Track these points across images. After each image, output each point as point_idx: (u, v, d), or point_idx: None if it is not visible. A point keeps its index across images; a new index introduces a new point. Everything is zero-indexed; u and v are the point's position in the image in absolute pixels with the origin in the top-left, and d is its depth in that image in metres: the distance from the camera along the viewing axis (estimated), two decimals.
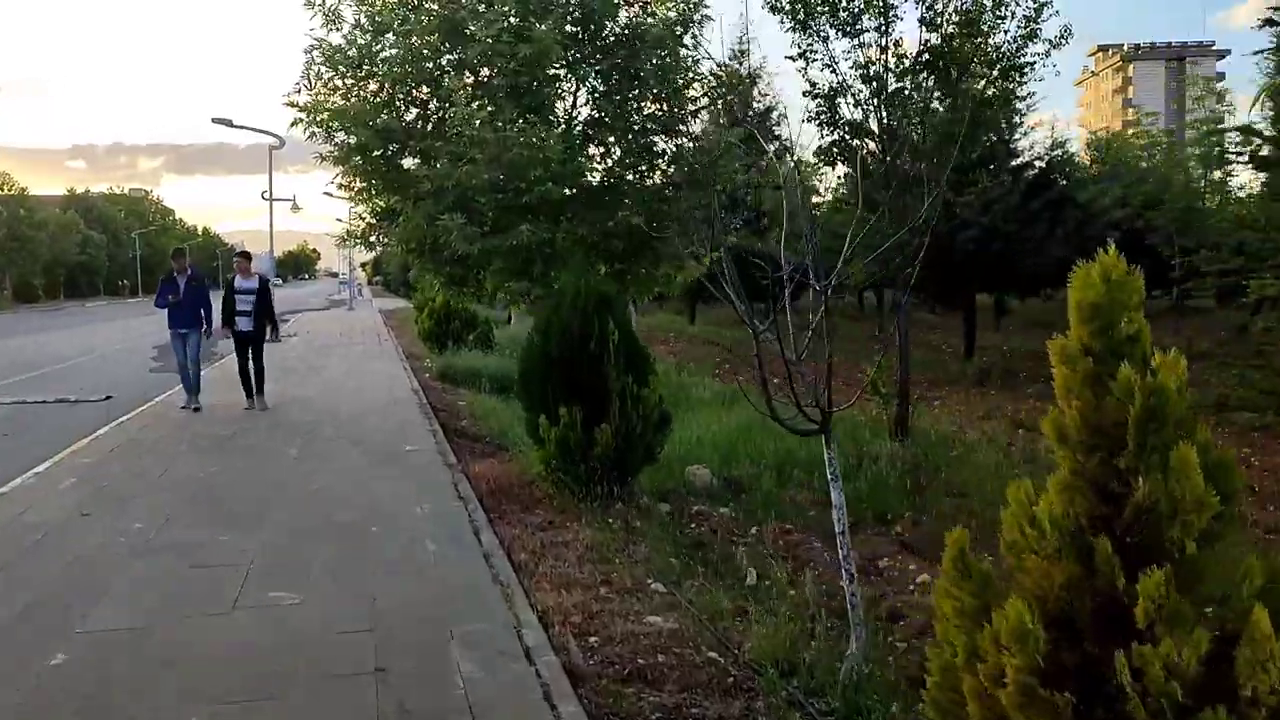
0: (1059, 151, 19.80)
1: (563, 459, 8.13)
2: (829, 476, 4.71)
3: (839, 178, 14.36)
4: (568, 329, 8.10)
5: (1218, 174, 24.15)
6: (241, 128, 28.11)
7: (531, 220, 9.97)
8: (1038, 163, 18.25)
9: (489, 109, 9.68)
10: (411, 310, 36.39)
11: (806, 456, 11.41)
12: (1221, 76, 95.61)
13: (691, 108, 10.86)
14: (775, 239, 17.29)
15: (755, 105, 10.59)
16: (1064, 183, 20.31)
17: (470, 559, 6.41)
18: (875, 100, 10.18)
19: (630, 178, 11.04)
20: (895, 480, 10.38)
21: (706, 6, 10.95)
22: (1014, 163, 17.13)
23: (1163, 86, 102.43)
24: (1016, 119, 17.28)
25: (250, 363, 12.76)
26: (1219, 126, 25.42)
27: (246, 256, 13.51)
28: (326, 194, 13.94)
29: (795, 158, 15.05)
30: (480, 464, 9.65)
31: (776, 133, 15.19)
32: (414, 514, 7.58)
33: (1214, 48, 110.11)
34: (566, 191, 10.25)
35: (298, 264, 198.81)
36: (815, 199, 28.44)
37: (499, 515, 7.80)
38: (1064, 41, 10.83)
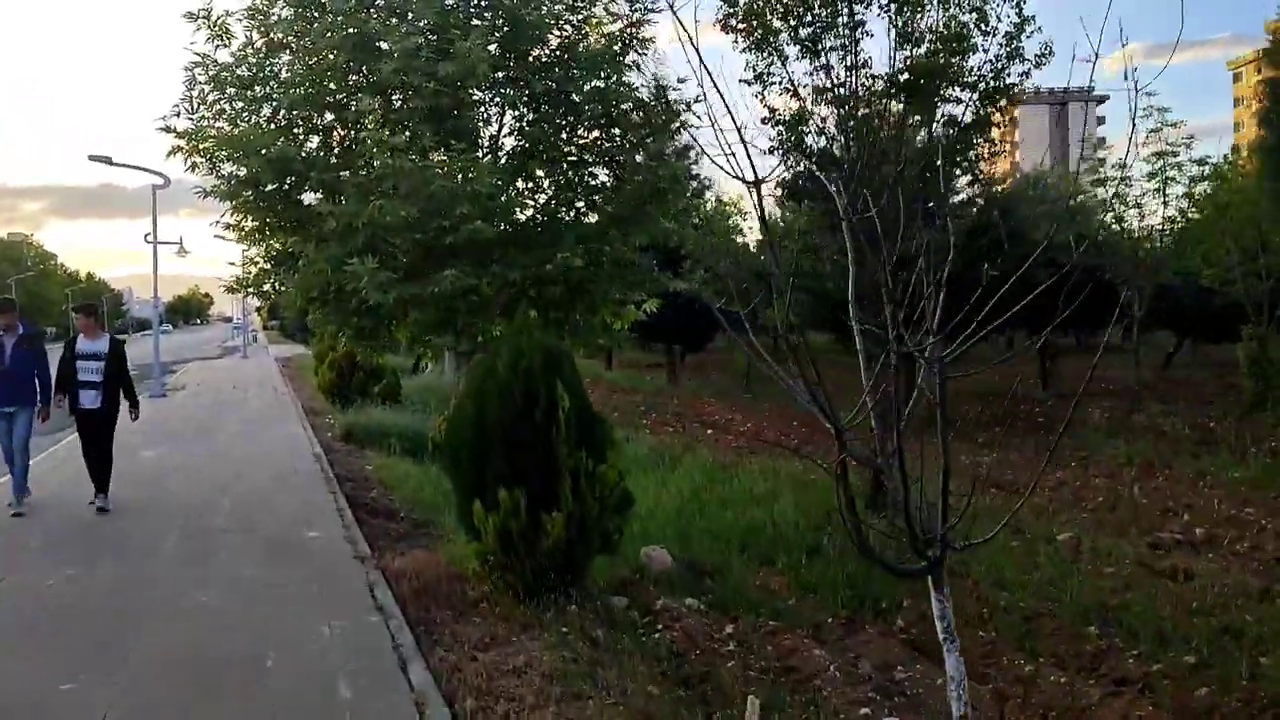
0: (996, 189, 19.18)
1: (504, 554, 6.66)
2: (941, 636, 3.39)
3: (806, 213, 13.06)
4: (507, 394, 6.67)
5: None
6: (121, 165, 25.83)
7: (455, 264, 8.55)
8: (978, 200, 17.44)
9: (405, 135, 8.24)
10: (310, 358, 34.25)
11: (771, 532, 10.14)
12: (1102, 120, 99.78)
13: (633, 137, 9.60)
14: (696, 280, 16.06)
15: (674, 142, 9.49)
16: (1000, 221, 19.92)
17: (399, 711, 4.88)
18: (844, 126, 9.10)
19: (566, 215, 9.68)
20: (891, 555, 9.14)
21: (649, 22, 9.76)
22: (953, 199, 16.26)
23: (1047, 130, 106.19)
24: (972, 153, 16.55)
25: (92, 448, 9.62)
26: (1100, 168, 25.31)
27: (90, 311, 10.05)
28: (218, 236, 11.49)
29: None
30: (399, 555, 8.09)
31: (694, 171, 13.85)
32: (321, 637, 6.00)
33: (1095, 93, 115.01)
34: (498, 230, 8.87)
35: (189, 309, 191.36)
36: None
37: (428, 629, 6.28)
38: (1044, 61, 9.99)
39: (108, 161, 26.08)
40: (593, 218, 9.93)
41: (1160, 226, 22.55)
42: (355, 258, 8.19)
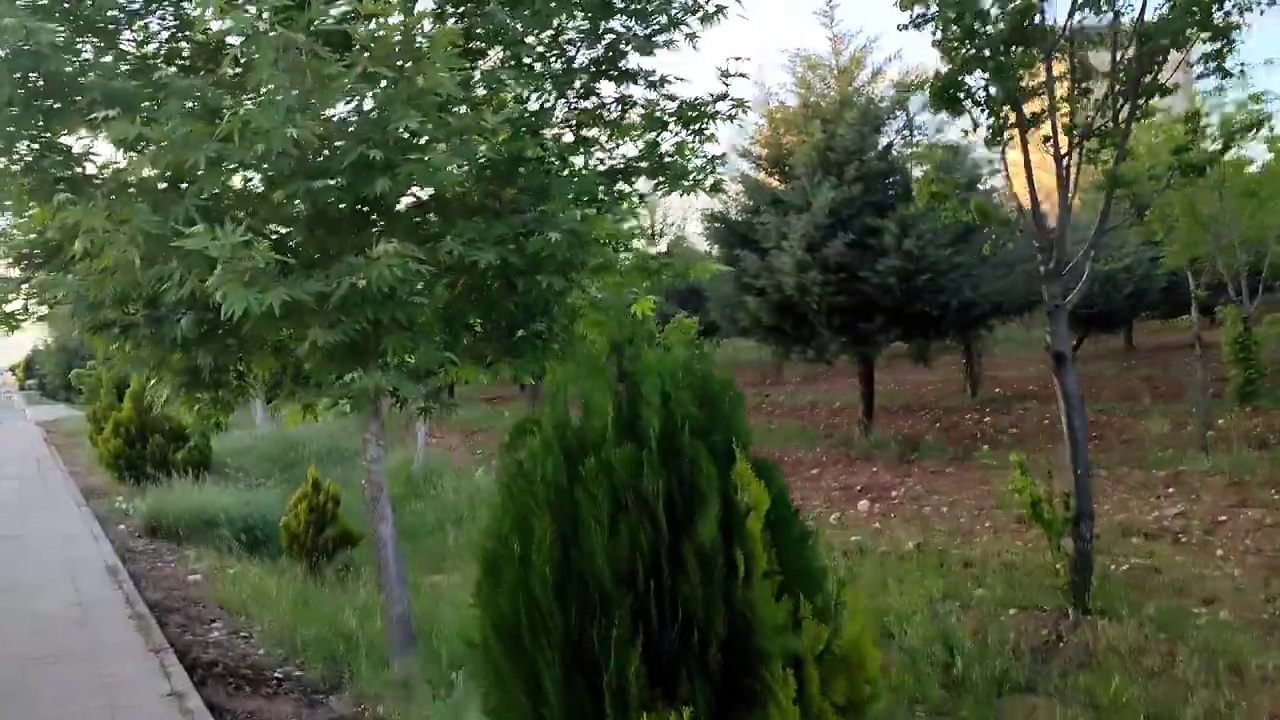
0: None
1: None
2: None
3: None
4: (627, 505, 2.91)
5: None
6: None
7: (384, 235, 4.65)
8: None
9: None
10: (81, 421, 27.90)
11: None
12: None
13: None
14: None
15: None
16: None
17: None
18: None
19: (554, 151, 5.75)
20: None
21: None
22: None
23: None
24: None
25: None
26: None
27: None
28: None
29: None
30: None
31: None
32: None
33: None
34: (464, 171, 4.96)
35: None
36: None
37: None
38: None
39: None
40: (613, 150, 6.12)
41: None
42: (200, 227, 4.09)
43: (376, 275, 4.37)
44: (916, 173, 12.83)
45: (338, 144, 4.60)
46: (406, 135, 4.45)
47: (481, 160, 5.12)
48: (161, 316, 5.23)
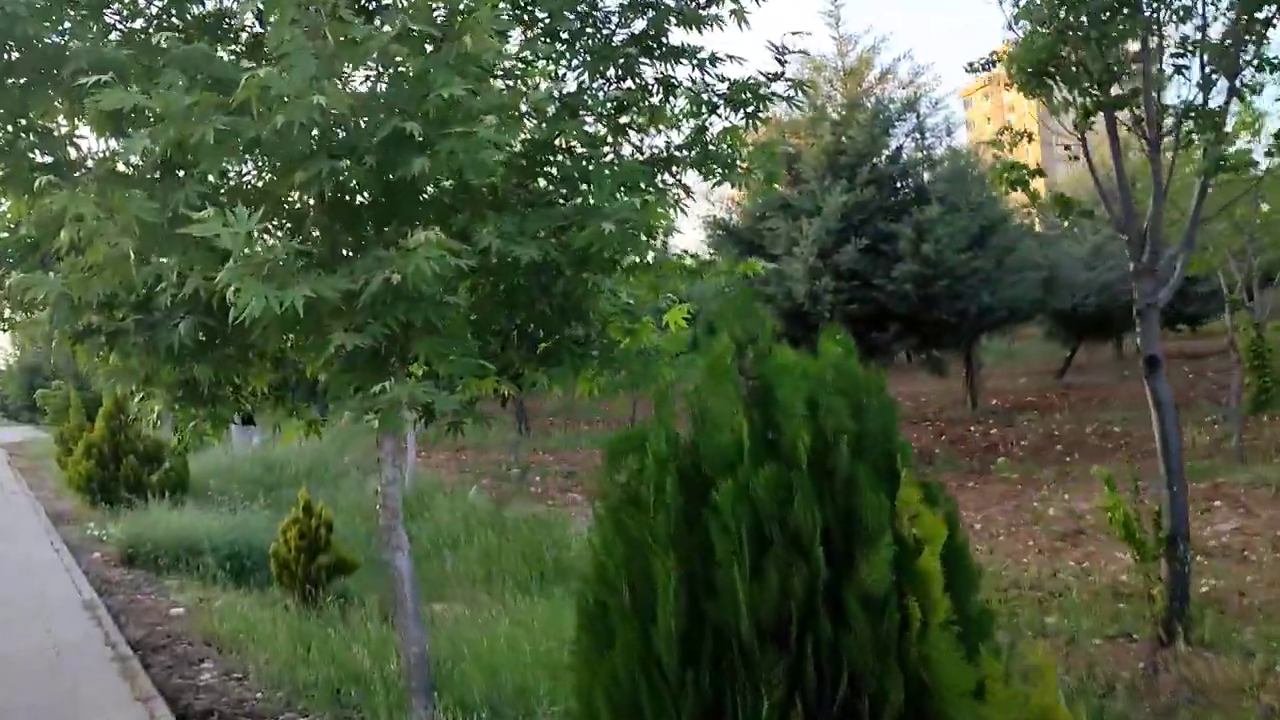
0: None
1: None
2: None
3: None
4: (764, 540, 2.33)
5: None
6: None
7: (420, 222, 4.06)
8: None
9: None
10: (47, 443, 26.86)
11: None
12: None
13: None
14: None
15: None
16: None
17: None
18: None
19: (600, 136, 5.15)
20: None
21: None
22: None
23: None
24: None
25: None
26: None
27: None
28: None
29: None
30: None
31: None
32: None
33: None
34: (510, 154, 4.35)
35: None
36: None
37: None
38: None
39: None
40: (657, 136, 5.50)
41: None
42: (215, 210, 3.47)
43: (414, 270, 3.76)
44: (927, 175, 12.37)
45: (363, 120, 3.99)
46: (447, 108, 3.84)
47: (512, 146, 4.52)
48: (155, 322, 4.57)
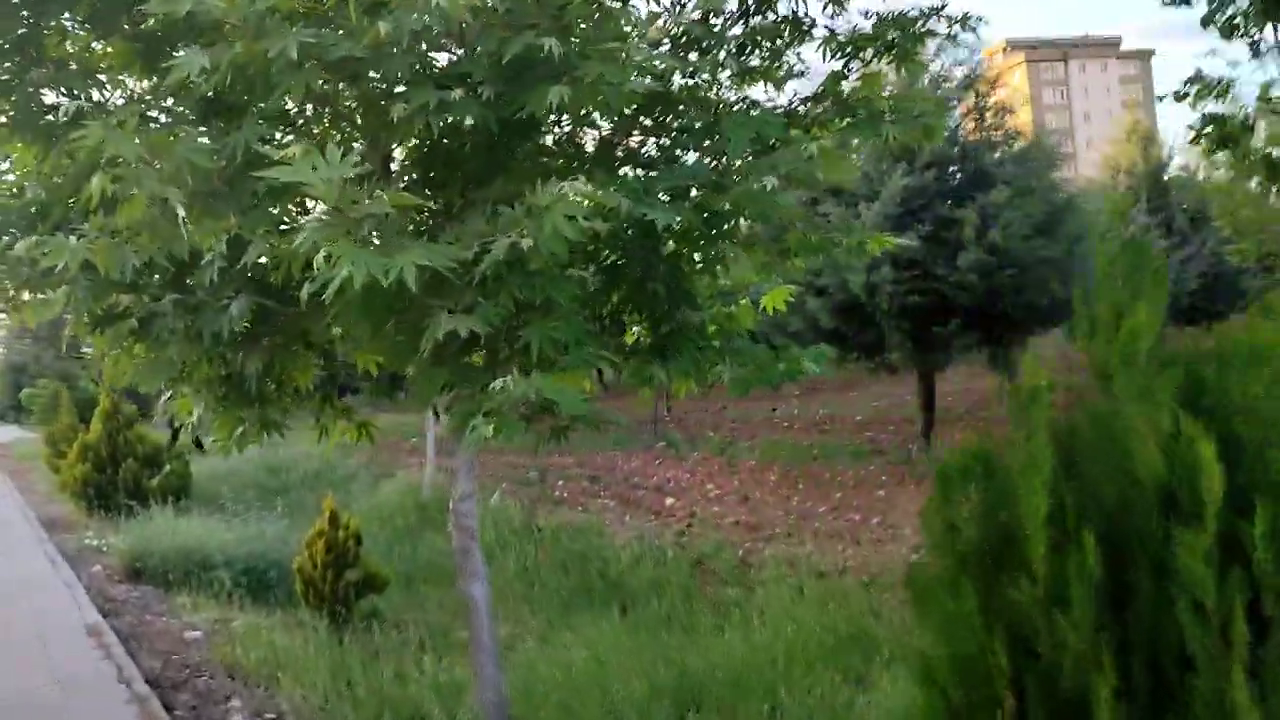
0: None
1: None
2: None
3: None
4: None
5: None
6: None
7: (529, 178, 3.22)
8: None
9: None
10: (35, 443, 25.76)
11: None
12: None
13: None
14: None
15: None
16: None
17: None
18: None
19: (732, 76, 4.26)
20: None
21: None
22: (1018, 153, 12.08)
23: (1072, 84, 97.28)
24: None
25: None
26: None
27: None
28: None
29: None
30: None
31: None
32: None
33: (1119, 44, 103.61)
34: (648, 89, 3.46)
35: None
36: None
37: None
38: None
39: None
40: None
41: None
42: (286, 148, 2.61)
43: (550, 230, 2.88)
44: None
45: (483, 37, 3.10)
46: (592, 20, 2.97)
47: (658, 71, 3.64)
48: (198, 303, 3.67)
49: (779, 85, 4.64)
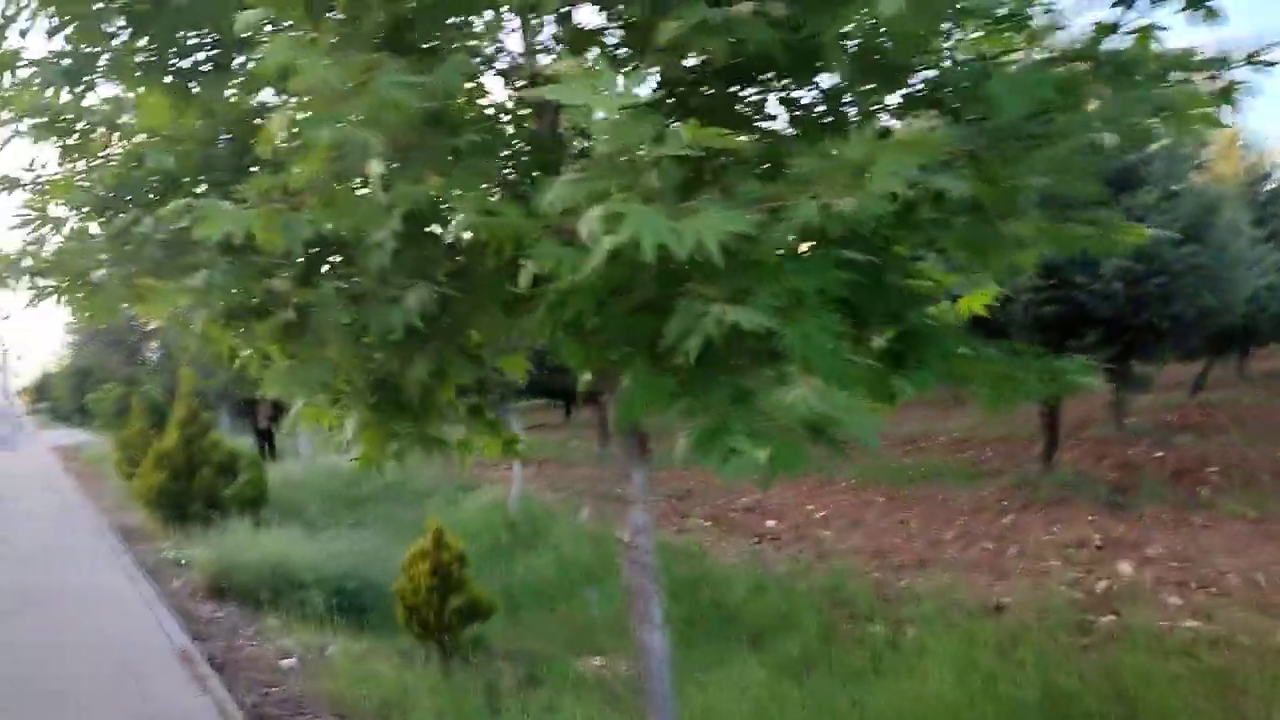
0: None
1: None
2: None
3: None
4: None
5: None
6: None
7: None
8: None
9: None
10: (106, 448, 25.52)
11: None
12: None
13: None
14: None
15: None
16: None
17: None
18: None
19: None
20: None
21: None
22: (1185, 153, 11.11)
23: None
24: None
25: None
26: None
27: None
28: None
29: None
30: None
31: None
32: None
33: None
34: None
35: None
36: None
37: None
38: None
39: None
40: None
41: None
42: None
43: (878, 184, 2.15)
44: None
45: None
46: None
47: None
48: (364, 292, 2.97)
49: (1033, 40, 3.86)
